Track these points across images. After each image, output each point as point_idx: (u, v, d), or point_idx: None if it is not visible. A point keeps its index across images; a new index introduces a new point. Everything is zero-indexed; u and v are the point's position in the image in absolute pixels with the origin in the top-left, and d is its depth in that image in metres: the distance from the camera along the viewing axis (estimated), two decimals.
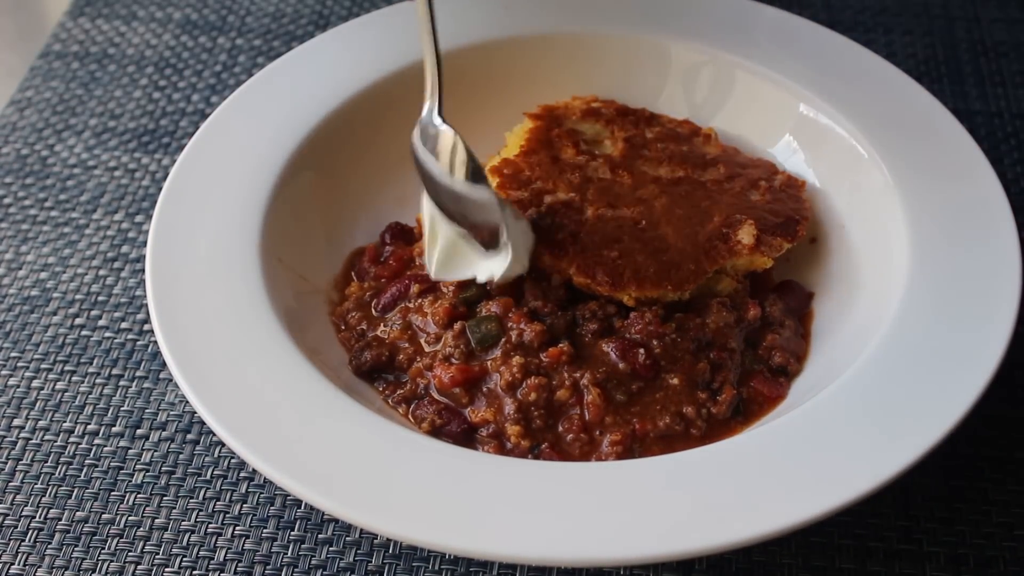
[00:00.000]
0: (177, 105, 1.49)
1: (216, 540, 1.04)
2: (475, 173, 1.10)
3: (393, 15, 1.37)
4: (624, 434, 1.04)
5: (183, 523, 1.05)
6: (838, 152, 1.24)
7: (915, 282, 1.07)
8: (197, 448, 1.11)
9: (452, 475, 0.93)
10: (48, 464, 1.10)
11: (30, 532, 1.05)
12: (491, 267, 1.09)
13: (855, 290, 1.16)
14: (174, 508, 1.07)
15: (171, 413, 1.14)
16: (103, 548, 1.04)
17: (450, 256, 1.11)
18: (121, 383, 1.17)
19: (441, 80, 1.15)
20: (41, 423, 1.14)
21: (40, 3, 1.83)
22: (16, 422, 1.14)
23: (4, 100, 1.51)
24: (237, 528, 1.05)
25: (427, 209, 1.13)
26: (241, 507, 1.07)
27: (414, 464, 0.94)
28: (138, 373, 1.18)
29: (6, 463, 1.10)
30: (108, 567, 1.02)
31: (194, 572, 1.02)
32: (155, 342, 1.19)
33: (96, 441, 1.12)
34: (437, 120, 1.14)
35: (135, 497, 1.07)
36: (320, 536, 1.04)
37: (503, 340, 1.08)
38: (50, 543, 1.04)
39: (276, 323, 1.04)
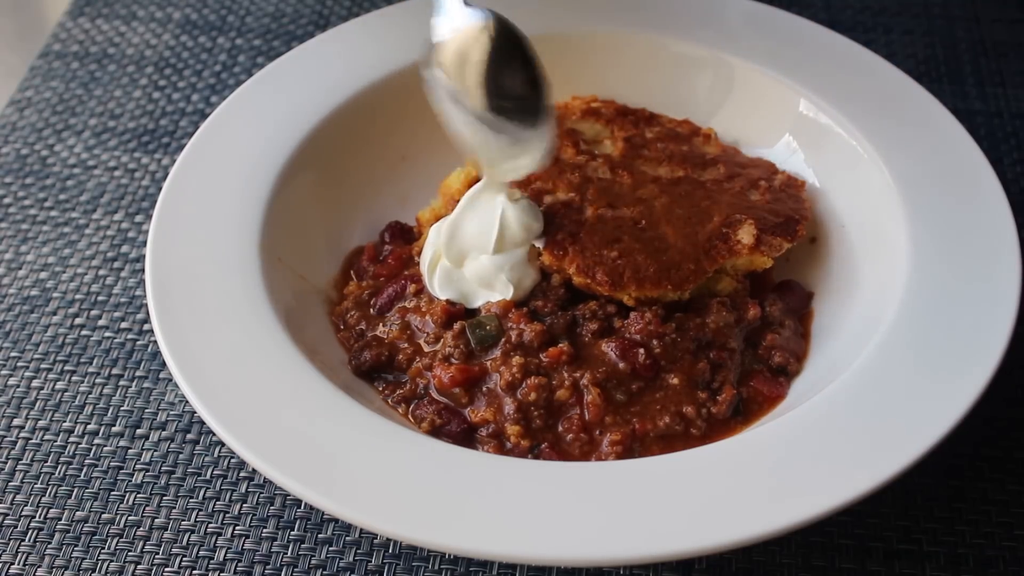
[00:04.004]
0: (177, 105, 1.50)
1: (216, 540, 1.04)
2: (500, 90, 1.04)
3: (393, 15, 1.37)
4: (624, 434, 1.04)
5: (183, 523, 1.05)
6: (838, 152, 1.24)
7: (915, 282, 1.07)
8: (197, 448, 1.11)
9: (452, 475, 0.93)
10: (48, 464, 1.10)
11: (30, 532, 1.05)
12: (489, 296, 1.11)
13: (855, 290, 1.16)
14: (174, 508, 1.07)
15: (171, 413, 1.14)
16: (103, 548, 1.04)
17: (450, 280, 1.12)
18: (121, 383, 1.17)
19: None
20: (41, 423, 1.14)
21: (40, 3, 1.83)
22: (16, 422, 1.14)
23: (4, 100, 1.51)
24: (237, 528, 1.05)
25: (431, 238, 1.14)
26: (241, 507, 1.07)
27: (414, 464, 0.94)
28: (138, 373, 1.18)
29: (6, 463, 1.10)
30: (108, 567, 1.02)
31: (194, 572, 1.02)
32: (155, 342, 1.19)
33: (96, 441, 1.12)
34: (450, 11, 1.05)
35: (135, 497, 1.07)
36: (320, 536, 1.04)
37: (503, 340, 1.08)
38: (50, 543, 1.04)
39: (276, 323, 1.04)
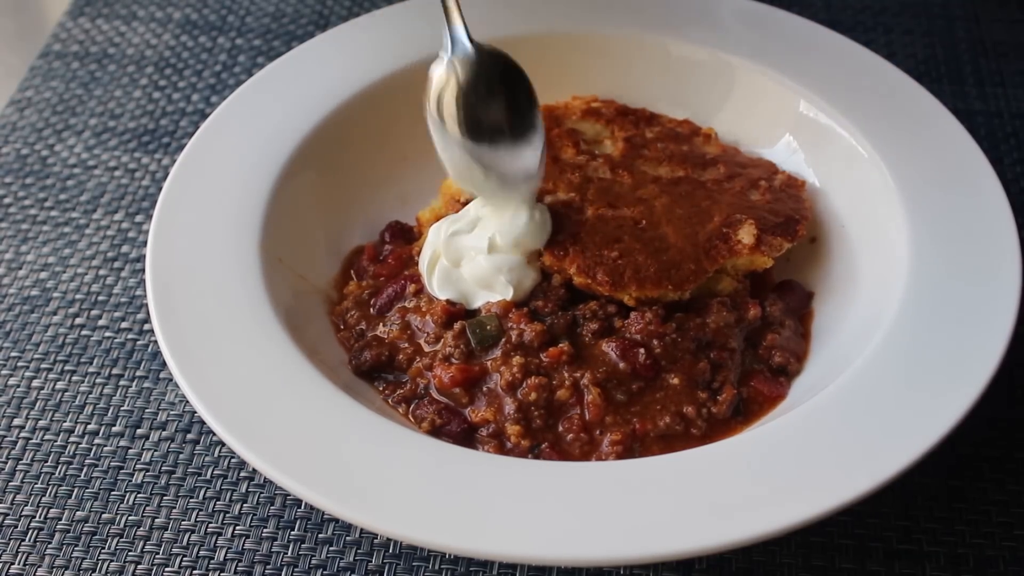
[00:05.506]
0: (177, 105, 1.50)
1: (216, 540, 1.04)
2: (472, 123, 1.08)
3: (392, 15, 1.37)
4: (624, 434, 1.04)
5: (183, 523, 1.05)
6: (838, 152, 1.24)
7: (915, 282, 1.07)
8: (197, 448, 1.11)
9: (452, 475, 0.93)
10: (48, 464, 1.10)
11: (30, 532, 1.05)
12: (489, 296, 1.11)
13: (855, 290, 1.16)
14: (174, 508, 1.07)
15: (171, 413, 1.14)
16: (103, 548, 1.04)
17: (449, 279, 1.12)
18: (121, 383, 1.17)
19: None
20: (41, 423, 1.14)
21: (40, 3, 1.83)
22: (16, 422, 1.14)
23: (4, 100, 1.51)
24: (237, 528, 1.05)
25: (431, 238, 1.14)
26: (241, 507, 1.07)
27: (414, 464, 0.94)
28: (138, 373, 1.18)
29: (6, 463, 1.10)
30: (108, 567, 1.02)
31: (194, 572, 1.02)
32: (155, 342, 1.19)
33: (96, 441, 1.12)
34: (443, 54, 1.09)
35: (135, 497, 1.07)
36: (320, 536, 1.04)
37: (503, 340, 1.08)
38: (50, 543, 1.04)
39: (276, 323, 1.04)
